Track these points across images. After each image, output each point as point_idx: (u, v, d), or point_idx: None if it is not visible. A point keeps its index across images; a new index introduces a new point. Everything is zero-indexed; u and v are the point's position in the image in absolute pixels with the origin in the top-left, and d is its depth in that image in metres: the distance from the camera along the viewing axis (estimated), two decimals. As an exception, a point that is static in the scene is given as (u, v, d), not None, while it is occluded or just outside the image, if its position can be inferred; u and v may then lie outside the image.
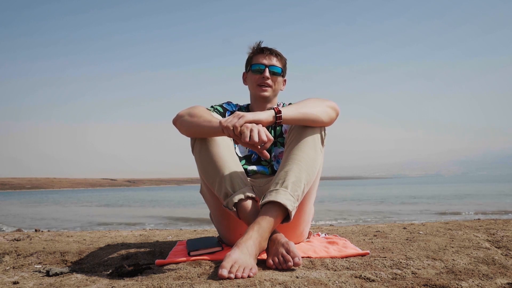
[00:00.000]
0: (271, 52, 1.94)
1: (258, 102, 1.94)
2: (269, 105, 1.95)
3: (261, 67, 1.90)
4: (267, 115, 1.53)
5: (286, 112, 1.56)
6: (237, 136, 1.45)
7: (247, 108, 2.01)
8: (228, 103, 1.99)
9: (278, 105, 2.00)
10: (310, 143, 1.61)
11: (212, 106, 1.92)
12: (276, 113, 1.54)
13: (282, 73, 1.96)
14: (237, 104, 2.01)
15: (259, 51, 1.94)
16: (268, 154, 1.48)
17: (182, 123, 1.66)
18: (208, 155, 1.63)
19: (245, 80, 2.02)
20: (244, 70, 2.03)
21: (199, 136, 1.65)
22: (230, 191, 1.57)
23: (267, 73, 1.89)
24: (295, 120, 1.59)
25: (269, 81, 1.90)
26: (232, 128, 1.44)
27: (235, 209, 1.57)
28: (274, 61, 1.92)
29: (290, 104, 2.00)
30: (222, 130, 1.48)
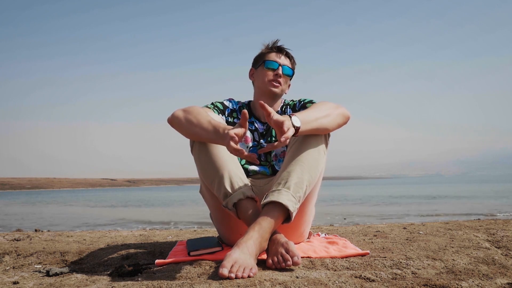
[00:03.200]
0: (287, 53, 1.96)
1: (265, 98, 1.93)
2: (274, 105, 1.95)
3: (276, 65, 1.91)
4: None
5: (302, 128, 1.53)
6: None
7: (248, 105, 2.01)
8: (230, 99, 1.98)
9: (281, 102, 2.00)
10: (314, 145, 1.62)
11: (212, 103, 1.91)
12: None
13: (291, 76, 1.97)
14: (238, 102, 2.01)
15: (276, 49, 1.95)
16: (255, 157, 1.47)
17: (181, 127, 1.66)
18: (207, 155, 1.62)
19: (251, 75, 2.01)
20: (251, 66, 2.01)
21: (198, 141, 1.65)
22: (229, 191, 1.57)
23: (280, 71, 1.90)
24: (306, 132, 1.59)
25: (281, 80, 1.91)
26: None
27: (234, 209, 1.57)
28: (287, 63, 1.95)
29: (292, 100, 2.00)
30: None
